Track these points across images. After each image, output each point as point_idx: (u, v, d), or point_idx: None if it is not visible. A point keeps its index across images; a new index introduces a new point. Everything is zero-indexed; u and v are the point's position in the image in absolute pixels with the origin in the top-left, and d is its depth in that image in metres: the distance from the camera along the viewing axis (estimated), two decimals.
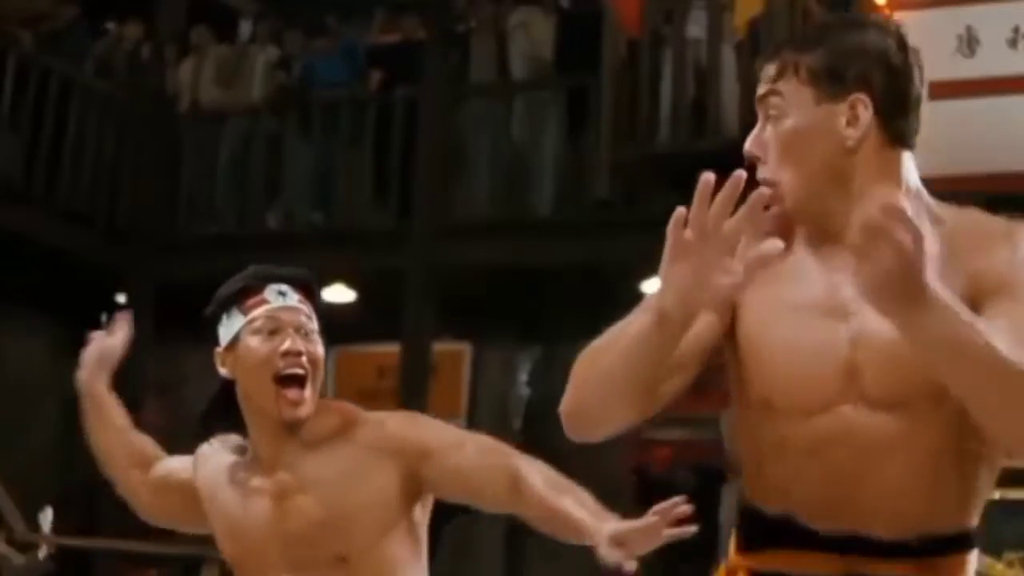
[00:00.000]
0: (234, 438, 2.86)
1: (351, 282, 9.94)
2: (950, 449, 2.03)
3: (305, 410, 2.69)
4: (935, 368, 1.88)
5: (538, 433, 6.12)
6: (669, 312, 1.96)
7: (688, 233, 1.92)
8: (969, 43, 7.74)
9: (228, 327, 2.75)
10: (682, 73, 8.47)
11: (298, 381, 2.68)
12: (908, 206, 1.84)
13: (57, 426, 10.68)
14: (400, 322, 9.45)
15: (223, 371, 2.75)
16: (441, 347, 9.68)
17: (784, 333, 2.08)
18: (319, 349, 2.72)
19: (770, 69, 2.12)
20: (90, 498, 10.37)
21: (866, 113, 2.07)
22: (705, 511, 2.74)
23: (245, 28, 11.27)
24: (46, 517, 7.33)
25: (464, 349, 10.36)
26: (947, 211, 2.11)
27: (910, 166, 2.12)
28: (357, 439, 2.70)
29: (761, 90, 2.13)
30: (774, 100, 2.11)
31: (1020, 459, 2.03)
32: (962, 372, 1.86)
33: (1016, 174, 7.46)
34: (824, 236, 2.10)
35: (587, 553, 2.37)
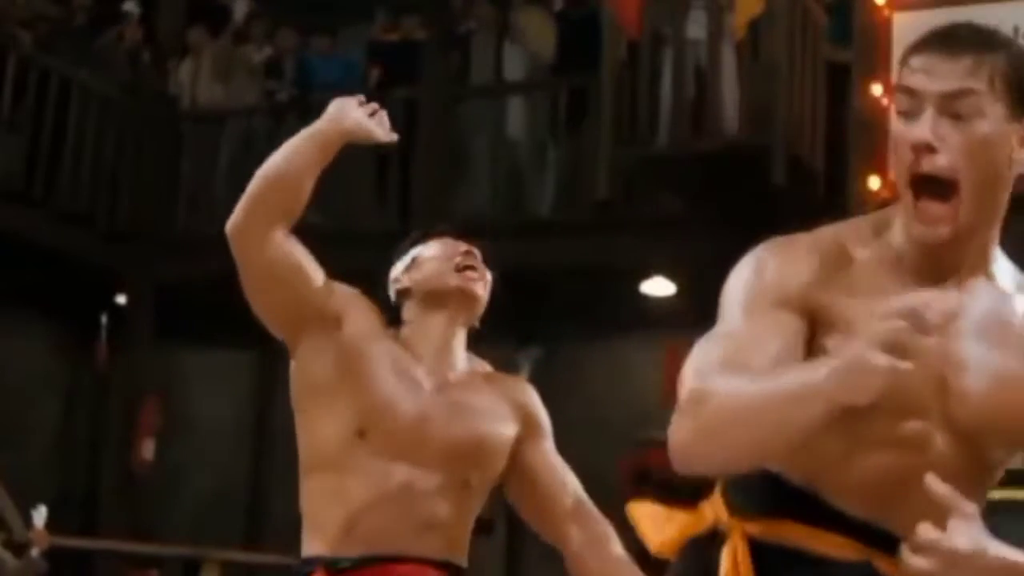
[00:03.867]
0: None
1: (350, 282, 9.94)
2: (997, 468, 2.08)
3: (482, 290, 3.05)
4: None
5: None
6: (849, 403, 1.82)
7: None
8: None
9: (407, 256, 3.12)
10: (682, 73, 8.45)
11: (475, 270, 3.06)
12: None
13: (57, 426, 10.69)
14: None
15: (399, 285, 3.09)
16: None
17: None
18: (488, 273, 3.13)
19: (959, 64, 1.96)
20: (90, 498, 10.39)
21: None
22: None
23: (239, 13, 11.25)
24: (40, 514, 7.34)
25: None
26: None
27: None
28: (503, 389, 3.03)
29: (949, 85, 1.95)
30: (970, 100, 1.94)
31: None
32: None
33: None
34: (921, 263, 1.99)
35: None
